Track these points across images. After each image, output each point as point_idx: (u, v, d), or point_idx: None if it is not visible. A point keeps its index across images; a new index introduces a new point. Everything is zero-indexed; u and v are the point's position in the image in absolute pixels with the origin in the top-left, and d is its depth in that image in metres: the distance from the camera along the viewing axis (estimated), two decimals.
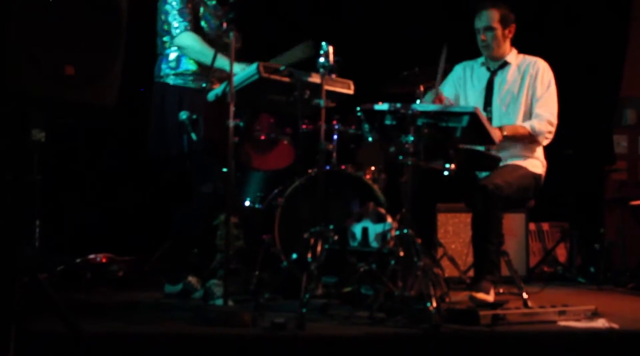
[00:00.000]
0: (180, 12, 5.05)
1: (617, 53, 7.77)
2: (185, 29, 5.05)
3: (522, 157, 5.29)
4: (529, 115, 5.31)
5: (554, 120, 5.28)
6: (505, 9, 5.38)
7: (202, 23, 5.14)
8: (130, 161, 6.44)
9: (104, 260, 5.65)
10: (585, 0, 7.67)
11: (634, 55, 7.92)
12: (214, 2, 5.27)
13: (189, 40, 5.05)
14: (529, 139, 5.25)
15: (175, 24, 5.06)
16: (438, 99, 4.99)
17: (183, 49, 5.08)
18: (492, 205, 4.93)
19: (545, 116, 5.25)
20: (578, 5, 7.65)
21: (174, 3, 5.07)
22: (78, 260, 5.61)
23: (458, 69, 5.60)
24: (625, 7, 7.85)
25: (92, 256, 5.65)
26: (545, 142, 5.31)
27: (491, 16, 5.35)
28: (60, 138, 4.95)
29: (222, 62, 4.86)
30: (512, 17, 5.40)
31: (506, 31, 5.39)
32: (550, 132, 5.27)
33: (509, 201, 5.05)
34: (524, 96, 5.34)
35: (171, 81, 5.11)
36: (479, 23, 5.39)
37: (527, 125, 5.23)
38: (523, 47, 5.50)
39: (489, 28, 5.36)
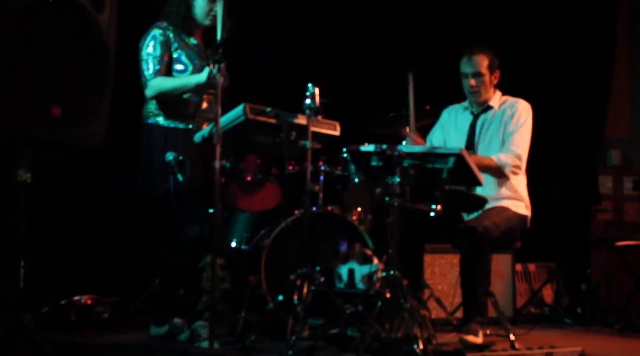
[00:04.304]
0: (150, 61, 5.04)
1: (601, 94, 7.83)
2: (151, 79, 5.02)
3: (507, 199, 5.28)
4: None
5: (523, 155, 5.24)
6: (491, 54, 5.36)
7: (187, 63, 5.13)
8: (117, 201, 6.42)
9: (89, 301, 5.60)
10: (570, 41, 7.74)
11: (618, 96, 7.99)
12: (195, 42, 5.25)
13: (156, 87, 5.00)
14: (495, 171, 5.19)
15: (145, 73, 5.06)
16: (415, 142, 5.01)
17: (158, 96, 5.07)
18: (481, 247, 4.91)
19: (513, 150, 5.22)
20: (563, 46, 7.72)
21: (147, 49, 5.06)
22: (63, 301, 5.56)
23: (444, 114, 5.62)
24: (610, 47, 7.92)
25: (77, 298, 5.60)
26: (512, 176, 5.23)
27: (480, 62, 5.33)
28: (46, 177, 4.93)
29: (194, 78, 4.92)
30: (497, 62, 5.40)
31: (492, 77, 5.38)
32: (517, 167, 5.22)
33: (496, 243, 5.04)
34: (501, 136, 5.32)
35: (158, 121, 5.10)
36: (468, 68, 5.36)
37: (494, 157, 5.20)
38: (508, 88, 5.52)
39: (478, 74, 5.34)
